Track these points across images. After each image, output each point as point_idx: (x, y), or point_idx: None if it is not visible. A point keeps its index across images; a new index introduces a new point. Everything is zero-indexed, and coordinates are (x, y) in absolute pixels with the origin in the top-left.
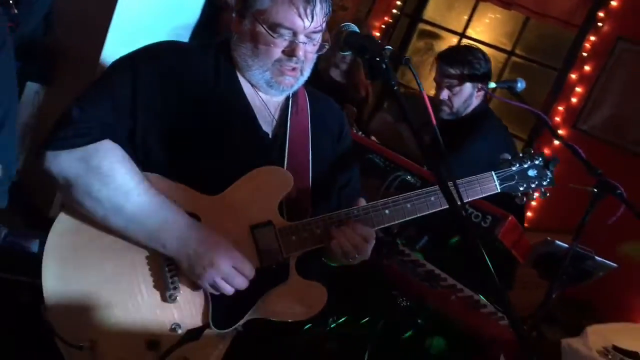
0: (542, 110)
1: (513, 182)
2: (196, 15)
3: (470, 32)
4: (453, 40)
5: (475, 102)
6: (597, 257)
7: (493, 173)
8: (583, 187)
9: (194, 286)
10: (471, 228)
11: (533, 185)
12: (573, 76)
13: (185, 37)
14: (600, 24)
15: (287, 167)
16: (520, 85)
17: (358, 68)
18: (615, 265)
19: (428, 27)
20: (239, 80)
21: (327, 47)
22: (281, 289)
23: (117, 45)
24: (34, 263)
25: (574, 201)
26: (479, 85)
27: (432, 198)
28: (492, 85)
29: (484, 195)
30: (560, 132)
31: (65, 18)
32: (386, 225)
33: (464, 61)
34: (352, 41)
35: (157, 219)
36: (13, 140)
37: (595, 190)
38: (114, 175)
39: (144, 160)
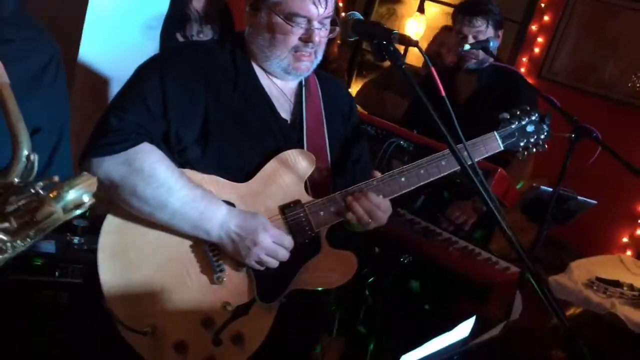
0: (508, 62)
1: (514, 139)
2: (166, 5)
3: None
4: (413, 2)
5: (494, 51)
6: (578, 197)
7: (495, 132)
8: (562, 134)
9: (238, 266)
10: (483, 186)
11: (532, 140)
12: (534, 27)
13: (157, 28)
14: None
15: (306, 148)
16: (493, 44)
17: (328, 43)
18: (594, 202)
19: None
20: (255, 72)
21: (337, 30)
22: (316, 260)
23: (93, 44)
24: (52, 263)
25: (551, 148)
26: (498, 33)
27: (443, 162)
28: (467, 47)
29: (489, 154)
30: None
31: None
32: (403, 191)
33: (485, 10)
34: (360, 29)
35: (199, 210)
36: (69, 161)
37: (573, 135)
38: (156, 175)
39: (179, 157)
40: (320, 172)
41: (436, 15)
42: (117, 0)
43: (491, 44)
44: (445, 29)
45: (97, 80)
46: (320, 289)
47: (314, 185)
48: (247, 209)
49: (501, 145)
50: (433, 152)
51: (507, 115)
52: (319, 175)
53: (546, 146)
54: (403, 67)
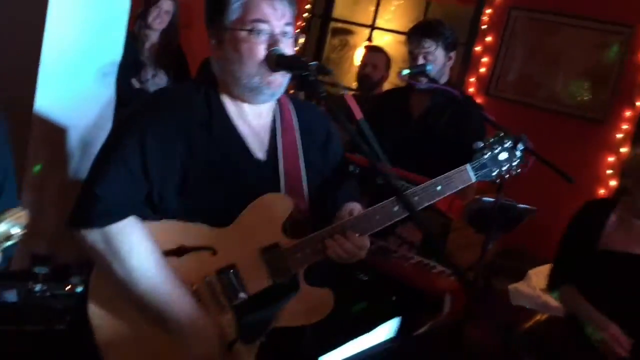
0: (457, 82)
1: (486, 170)
2: (120, 51)
3: (380, 22)
4: (365, 32)
5: (447, 73)
6: (519, 205)
7: (468, 166)
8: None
9: (220, 309)
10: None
11: (504, 168)
12: (478, 48)
13: (112, 74)
14: None
15: (284, 187)
16: (430, 67)
17: None
18: (534, 208)
19: (339, 25)
20: (227, 113)
21: (302, 39)
22: (294, 299)
23: (48, 93)
24: (14, 312)
25: None
26: (449, 55)
27: (416, 198)
28: (406, 71)
29: (460, 187)
30: (477, 101)
31: None
32: (379, 229)
33: (435, 32)
34: (282, 62)
35: (164, 299)
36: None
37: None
38: (130, 259)
39: (161, 211)
40: (298, 209)
41: (390, 43)
42: (71, 49)
43: (428, 67)
44: (368, 49)
45: (54, 129)
46: (299, 325)
47: (292, 224)
48: (229, 254)
49: (473, 178)
50: (379, 173)
51: (480, 145)
52: (298, 213)
53: (519, 170)
54: (324, 94)
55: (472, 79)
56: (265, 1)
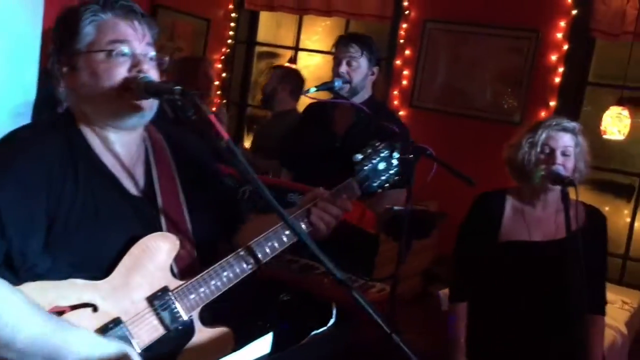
0: (382, 97)
1: (369, 182)
2: (34, 90)
3: (307, 43)
4: (290, 54)
5: (369, 87)
6: (430, 211)
7: (352, 180)
8: (404, 157)
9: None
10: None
11: (384, 178)
12: (398, 62)
13: (27, 114)
14: (407, 12)
15: (164, 224)
16: (338, 84)
17: None
18: (446, 213)
19: (265, 49)
20: (93, 149)
21: (167, 62)
22: (192, 343)
23: None
24: None
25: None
26: (372, 69)
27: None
28: (312, 89)
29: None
30: (401, 113)
31: None
32: (272, 255)
33: (363, 41)
34: (149, 89)
35: (52, 347)
36: None
37: (412, 156)
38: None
39: (27, 274)
40: (184, 246)
41: (320, 63)
42: None
43: (336, 83)
44: (272, 68)
45: None
46: None
47: (180, 264)
48: (112, 308)
49: (358, 192)
50: (279, 191)
51: (359, 157)
52: (183, 250)
53: (397, 178)
54: (193, 118)
55: (396, 92)
56: (123, 20)
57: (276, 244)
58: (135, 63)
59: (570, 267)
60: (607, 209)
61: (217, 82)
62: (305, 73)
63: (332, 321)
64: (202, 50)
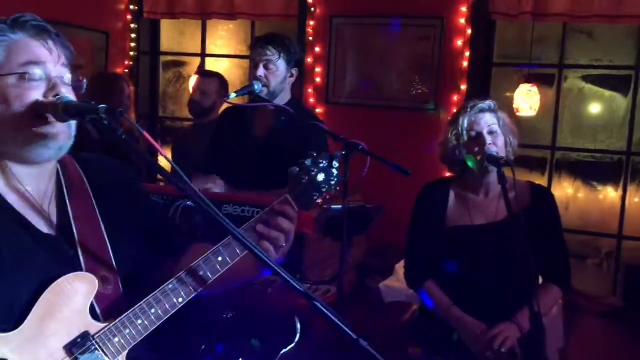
0: (297, 95)
1: (307, 195)
2: None
3: (212, 48)
4: (197, 61)
5: (288, 89)
6: (367, 205)
7: (288, 196)
8: (334, 155)
9: None
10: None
11: (324, 189)
12: (309, 59)
13: None
14: (312, 9)
15: (83, 260)
16: (257, 87)
17: None
18: (382, 206)
19: (169, 57)
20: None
21: (84, 84)
22: None
23: None
24: None
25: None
26: (291, 71)
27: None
28: (233, 95)
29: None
30: (318, 110)
31: None
32: (203, 286)
33: (280, 42)
34: (69, 109)
35: None
36: None
37: (343, 152)
38: None
39: None
40: (106, 282)
41: (228, 67)
42: None
43: (255, 86)
44: (199, 75)
45: None
46: None
47: (103, 302)
48: None
49: (295, 207)
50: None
51: (296, 170)
52: (106, 287)
53: (337, 188)
54: (123, 137)
55: (310, 90)
56: (36, 41)
57: (209, 273)
58: (51, 87)
59: (512, 246)
60: None
61: None
62: None
63: (297, 336)
64: (103, 65)
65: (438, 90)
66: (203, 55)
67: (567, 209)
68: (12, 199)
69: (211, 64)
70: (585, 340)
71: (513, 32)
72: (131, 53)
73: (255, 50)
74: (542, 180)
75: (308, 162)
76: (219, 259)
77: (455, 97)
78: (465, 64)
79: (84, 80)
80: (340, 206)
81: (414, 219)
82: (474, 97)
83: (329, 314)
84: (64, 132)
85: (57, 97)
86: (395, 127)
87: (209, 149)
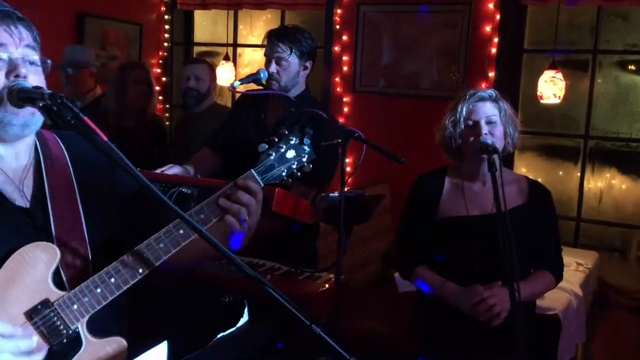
0: (324, 84)
1: (274, 171)
2: None
3: (250, 39)
4: (229, 51)
5: (302, 82)
6: (366, 194)
7: (252, 170)
8: (331, 142)
9: None
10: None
11: (294, 166)
12: (336, 48)
13: None
14: None
15: (55, 232)
16: (263, 75)
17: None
18: (383, 195)
19: (203, 48)
20: None
21: (49, 64)
22: (79, 357)
23: None
24: None
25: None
26: (305, 64)
27: (202, 215)
28: (237, 83)
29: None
30: (345, 99)
31: None
32: (164, 257)
33: (292, 38)
34: (21, 95)
35: None
36: None
37: (339, 140)
38: None
39: None
40: (76, 254)
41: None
42: None
43: (261, 75)
44: (186, 62)
45: None
46: None
47: (71, 271)
48: None
49: (261, 182)
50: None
51: (265, 147)
52: (75, 258)
53: (311, 166)
54: (73, 122)
55: (337, 79)
56: None
57: (170, 245)
58: (12, 68)
59: (500, 237)
60: (560, 173)
61: (157, 87)
62: (250, 70)
63: (243, 320)
64: (137, 56)
65: (465, 78)
66: (235, 45)
67: (601, 200)
68: None
69: (247, 55)
70: (613, 335)
71: (545, 17)
72: (165, 44)
73: (268, 46)
74: (575, 170)
75: (277, 138)
76: (181, 232)
77: (483, 85)
78: (494, 50)
79: (49, 62)
80: (337, 194)
81: (405, 210)
82: (504, 85)
83: (280, 298)
84: (25, 110)
85: (14, 83)
86: (422, 115)
87: (222, 129)
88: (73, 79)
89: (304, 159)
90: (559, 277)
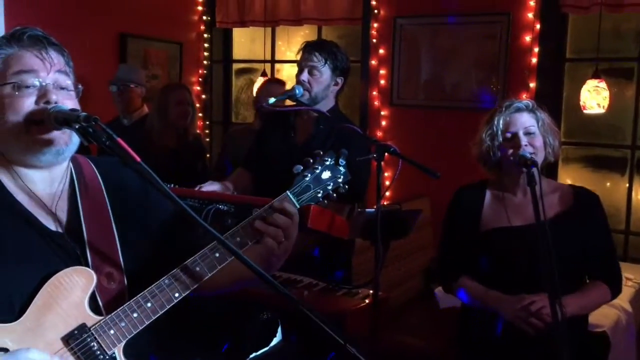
0: (361, 99)
1: (310, 192)
2: None
3: (288, 55)
4: (267, 67)
5: (332, 97)
6: (403, 210)
7: (288, 192)
8: (366, 157)
9: None
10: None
11: (330, 187)
12: (373, 62)
13: None
14: (376, 11)
15: (90, 256)
16: (299, 91)
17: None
18: (419, 210)
19: (241, 65)
20: (8, 190)
21: (81, 90)
22: None
23: None
24: None
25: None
26: (337, 79)
27: (239, 238)
28: (272, 100)
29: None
30: (383, 112)
31: None
32: (201, 280)
33: (328, 50)
34: (58, 118)
35: None
36: None
37: (375, 155)
38: None
39: None
40: (111, 278)
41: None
42: None
43: (297, 91)
44: (265, 82)
45: None
46: None
47: (107, 297)
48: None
49: (297, 204)
50: (254, 207)
51: (300, 168)
52: (111, 283)
53: (347, 187)
54: (108, 143)
55: (375, 92)
56: (29, 51)
57: (206, 269)
58: (43, 94)
59: (541, 249)
60: (607, 184)
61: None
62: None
63: (276, 340)
64: (178, 74)
65: (506, 90)
66: (273, 61)
67: None
68: (22, 198)
69: (287, 70)
70: None
71: (587, 25)
72: (205, 62)
73: (303, 55)
74: (622, 182)
75: (313, 160)
76: (217, 255)
77: (524, 96)
78: (534, 60)
79: (80, 86)
80: (374, 210)
81: (446, 224)
82: (545, 95)
83: (315, 318)
84: (60, 138)
85: (51, 105)
86: (462, 128)
87: (252, 149)
88: (121, 97)
89: (340, 180)
90: (615, 288)
